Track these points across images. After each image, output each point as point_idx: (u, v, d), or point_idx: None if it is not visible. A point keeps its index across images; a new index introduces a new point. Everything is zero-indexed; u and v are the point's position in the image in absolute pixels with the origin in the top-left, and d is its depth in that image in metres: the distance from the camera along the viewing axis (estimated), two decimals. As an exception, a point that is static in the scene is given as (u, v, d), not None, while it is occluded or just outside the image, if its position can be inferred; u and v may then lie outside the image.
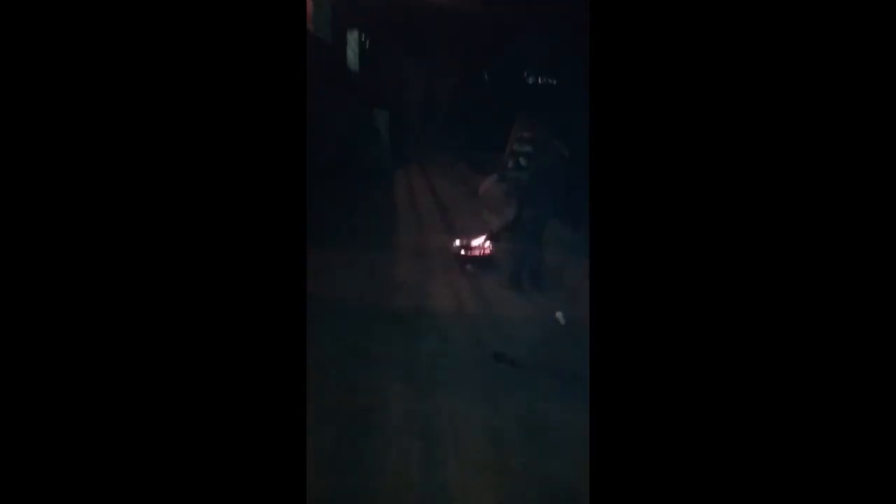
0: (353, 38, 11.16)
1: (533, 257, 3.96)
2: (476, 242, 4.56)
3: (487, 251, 4.50)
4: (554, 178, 3.77)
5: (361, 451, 1.96)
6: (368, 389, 2.40)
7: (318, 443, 1.85)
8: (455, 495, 1.75)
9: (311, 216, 1.23)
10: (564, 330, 3.16)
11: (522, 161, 4.14)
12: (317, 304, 2.18)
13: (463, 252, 4.52)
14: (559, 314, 3.38)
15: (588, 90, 0.99)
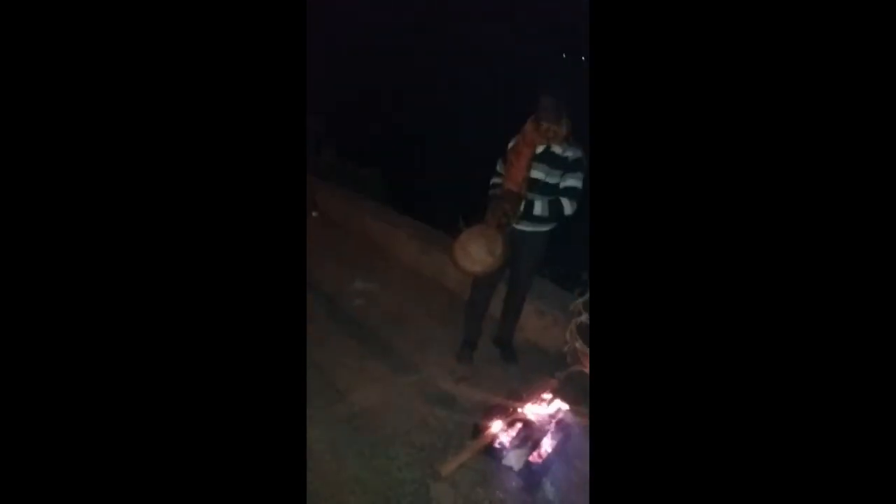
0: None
1: None
2: (537, 411, 2.03)
3: (556, 431, 2.01)
4: None
5: None
6: None
7: None
8: None
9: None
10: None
11: (568, 206, 2.13)
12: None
13: (519, 450, 1.90)
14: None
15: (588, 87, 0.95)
